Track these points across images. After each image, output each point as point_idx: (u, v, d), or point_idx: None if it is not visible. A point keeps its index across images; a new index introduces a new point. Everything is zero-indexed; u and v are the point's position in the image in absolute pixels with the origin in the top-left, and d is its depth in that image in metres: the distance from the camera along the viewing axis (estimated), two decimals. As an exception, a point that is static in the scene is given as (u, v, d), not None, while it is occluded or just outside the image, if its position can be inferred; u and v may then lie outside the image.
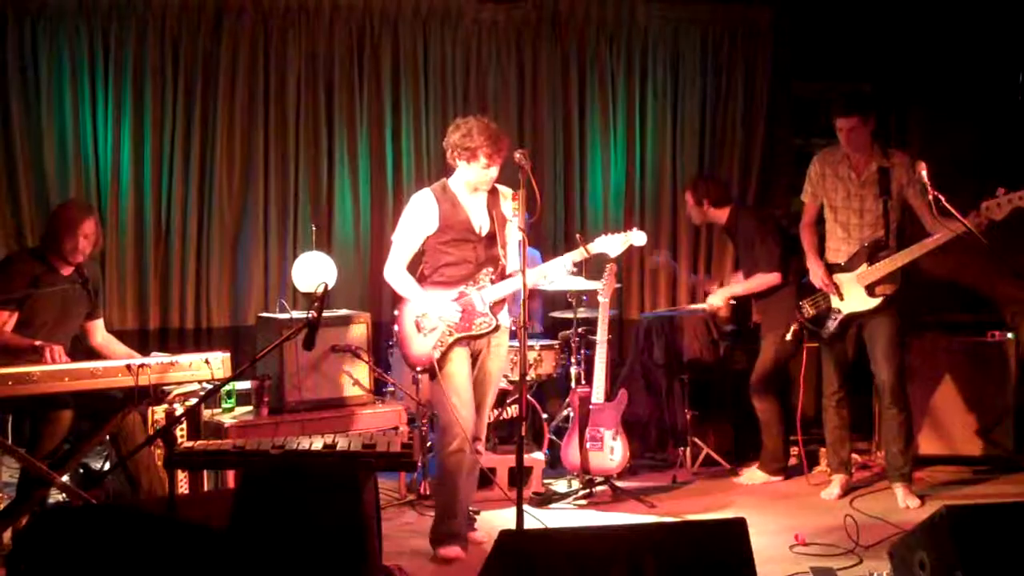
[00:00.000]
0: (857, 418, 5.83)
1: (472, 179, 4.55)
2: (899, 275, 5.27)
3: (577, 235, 4.91)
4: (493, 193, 4.66)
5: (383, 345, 6.22)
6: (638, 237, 4.79)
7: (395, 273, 4.67)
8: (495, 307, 4.59)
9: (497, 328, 4.59)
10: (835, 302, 5.38)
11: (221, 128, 6.57)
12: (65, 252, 4.82)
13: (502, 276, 4.65)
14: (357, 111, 6.81)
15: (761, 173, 7.41)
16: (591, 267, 5.50)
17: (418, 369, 4.74)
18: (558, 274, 4.75)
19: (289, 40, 6.66)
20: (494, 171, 4.53)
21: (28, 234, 6.25)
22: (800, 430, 5.76)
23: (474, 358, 4.65)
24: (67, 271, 4.88)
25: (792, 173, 7.16)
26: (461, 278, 4.61)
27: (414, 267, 4.75)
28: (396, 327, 4.89)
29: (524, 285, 4.20)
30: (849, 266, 5.34)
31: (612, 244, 4.75)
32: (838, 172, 5.38)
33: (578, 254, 4.67)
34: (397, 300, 4.81)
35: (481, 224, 4.60)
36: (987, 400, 6.01)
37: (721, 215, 6.04)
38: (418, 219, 4.62)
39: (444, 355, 4.54)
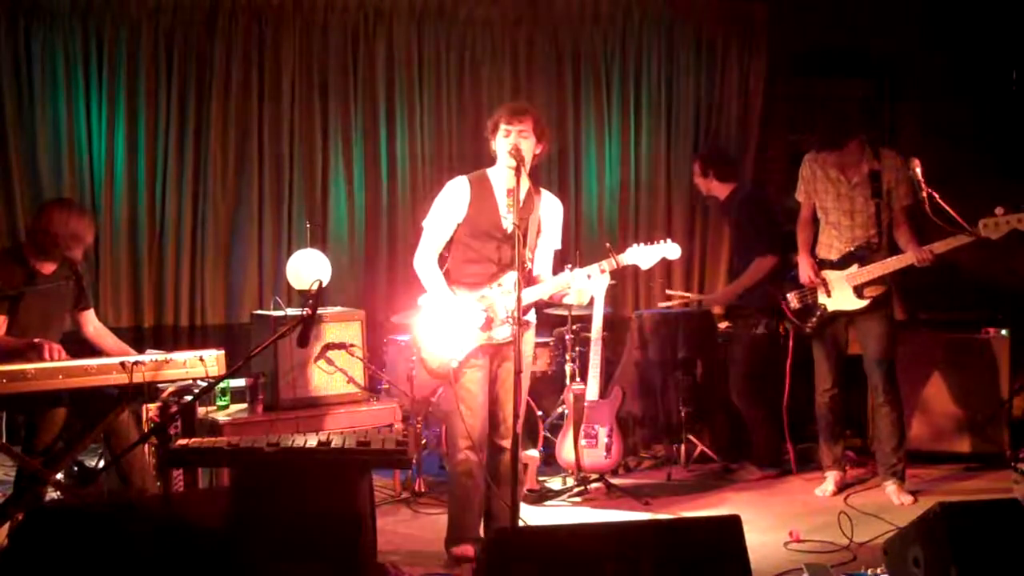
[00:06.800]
0: (851, 414, 5.85)
1: (500, 152, 4.38)
2: (890, 278, 5.28)
3: (607, 244, 4.62)
4: (535, 194, 4.52)
5: (378, 342, 6.21)
6: (672, 250, 4.52)
7: (424, 264, 4.49)
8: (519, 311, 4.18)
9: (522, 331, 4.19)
10: (821, 298, 5.40)
11: (215, 125, 6.56)
12: (71, 258, 4.86)
13: (528, 281, 4.43)
14: (351, 108, 6.80)
15: (755, 170, 7.41)
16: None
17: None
18: (582, 284, 4.43)
19: (283, 37, 6.65)
20: (513, 138, 4.31)
21: (22, 233, 6.22)
22: (787, 427, 5.77)
23: (495, 357, 4.48)
24: (48, 270, 4.87)
25: (787, 170, 7.17)
26: (484, 279, 4.45)
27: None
28: (413, 333, 4.61)
29: (520, 285, 4.11)
30: (840, 264, 5.35)
31: (644, 256, 4.49)
32: (828, 175, 5.37)
33: (606, 264, 4.42)
34: (416, 305, 4.59)
35: (509, 223, 4.36)
36: (980, 396, 6.02)
37: (723, 190, 6.06)
38: (448, 205, 4.47)
39: (461, 364, 4.40)
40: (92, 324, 5.13)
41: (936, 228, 5.00)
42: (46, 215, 4.87)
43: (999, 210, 4.91)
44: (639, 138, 7.33)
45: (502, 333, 4.41)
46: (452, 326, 4.41)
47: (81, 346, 4.98)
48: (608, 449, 5.48)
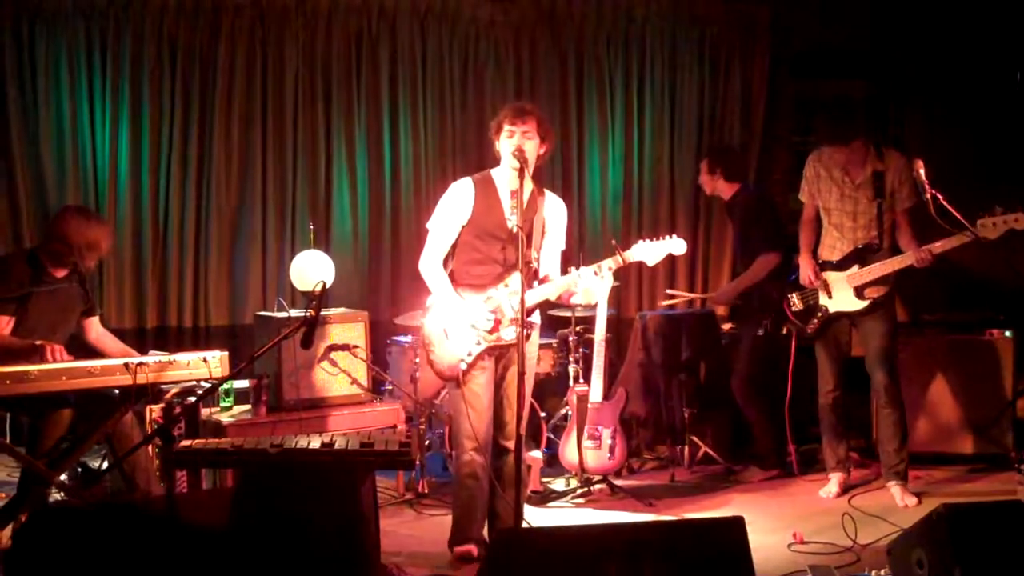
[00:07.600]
0: (855, 416, 5.84)
1: (504, 153, 4.39)
2: (891, 279, 5.27)
3: (612, 241, 4.65)
4: (539, 195, 4.53)
5: (381, 343, 6.22)
6: (678, 246, 4.55)
7: (429, 267, 4.49)
8: (526, 312, 4.18)
9: (528, 336, 4.27)
10: (823, 299, 5.39)
11: (219, 126, 6.57)
12: (84, 268, 4.85)
13: (533, 283, 4.45)
14: (355, 109, 6.81)
15: (759, 171, 7.41)
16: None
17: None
18: (589, 281, 4.43)
19: (287, 38, 6.66)
20: (517, 139, 4.31)
21: (25, 234, 6.24)
22: (789, 428, 5.76)
23: (501, 359, 4.50)
24: (61, 274, 4.86)
25: (790, 171, 7.17)
26: (490, 280, 4.45)
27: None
28: (422, 333, 4.58)
29: (523, 287, 4.11)
30: (841, 265, 5.35)
31: (651, 252, 4.52)
32: (832, 175, 5.36)
33: (612, 262, 4.45)
34: (424, 306, 4.60)
35: (514, 223, 4.33)
36: (984, 398, 6.01)
37: (728, 190, 6.05)
38: (452, 207, 4.47)
39: (470, 366, 4.39)
40: (95, 330, 5.12)
41: (940, 229, 5.00)
42: (63, 222, 4.79)
43: (997, 209, 4.91)
44: (642, 139, 7.33)
45: (510, 334, 4.40)
46: (461, 328, 4.41)
47: (83, 351, 4.98)
48: (612, 450, 5.48)
